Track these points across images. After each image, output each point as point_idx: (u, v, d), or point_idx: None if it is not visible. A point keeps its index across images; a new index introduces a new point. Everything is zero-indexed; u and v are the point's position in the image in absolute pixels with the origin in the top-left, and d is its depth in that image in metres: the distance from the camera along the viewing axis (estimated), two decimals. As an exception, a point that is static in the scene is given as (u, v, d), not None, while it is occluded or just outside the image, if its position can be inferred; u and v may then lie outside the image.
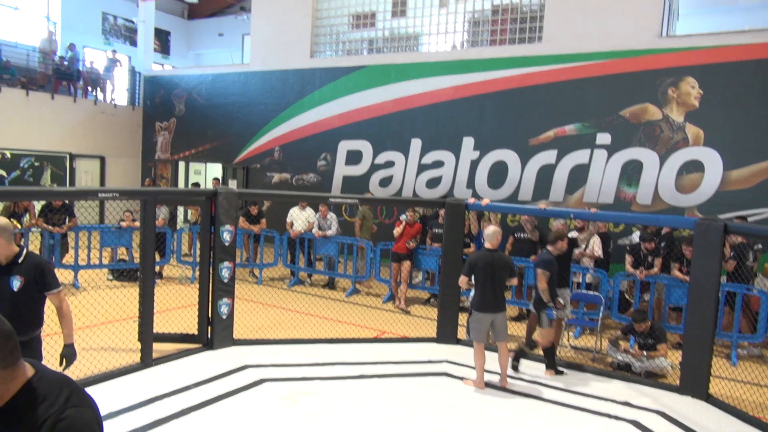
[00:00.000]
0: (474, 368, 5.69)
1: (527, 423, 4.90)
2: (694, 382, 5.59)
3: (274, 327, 7.25)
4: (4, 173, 13.57)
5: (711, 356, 5.57)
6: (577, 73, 10.23)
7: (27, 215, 8.83)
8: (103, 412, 4.45)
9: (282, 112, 13.48)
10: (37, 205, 8.92)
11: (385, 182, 12.15)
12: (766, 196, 8.81)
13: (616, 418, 5.06)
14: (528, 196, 10.62)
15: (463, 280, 5.75)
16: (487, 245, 5.68)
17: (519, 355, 6.19)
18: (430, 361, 6.28)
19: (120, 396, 4.87)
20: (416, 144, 11.81)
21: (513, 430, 4.75)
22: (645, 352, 6.20)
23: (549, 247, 6.06)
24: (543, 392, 5.57)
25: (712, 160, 9.24)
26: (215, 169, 15.46)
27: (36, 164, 14.17)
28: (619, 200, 9.90)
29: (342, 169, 12.72)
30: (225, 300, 6.26)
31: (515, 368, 6.06)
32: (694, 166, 9.38)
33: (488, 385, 5.62)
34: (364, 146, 12.41)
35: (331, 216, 9.79)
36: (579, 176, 10.23)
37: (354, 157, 12.55)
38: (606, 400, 5.45)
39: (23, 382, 1.52)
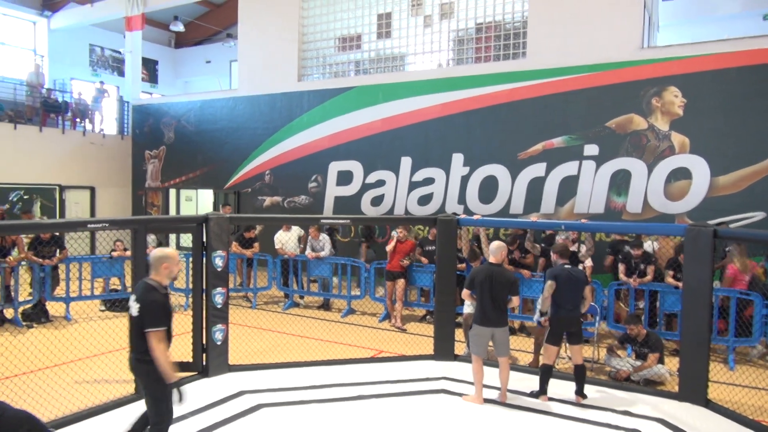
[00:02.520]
0: (473, 384, 5.66)
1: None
2: (693, 388, 5.58)
3: (270, 351, 7.18)
4: (-6, 207, 13.48)
5: (708, 361, 5.57)
6: (562, 86, 10.36)
7: (15, 250, 8.75)
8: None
9: (271, 135, 13.54)
10: (26, 239, 8.84)
11: (377, 201, 12.18)
12: (755, 199, 8.90)
13: (617, 428, 5.03)
14: (519, 209, 10.66)
15: (465, 293, 5.78)
16: (491, 260, 5.68)
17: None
18: (428, 379, 6.23)
19: (115, 428, 4.79)
20: (406, 162, 11.87)
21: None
22: (631, 367, 6.20)
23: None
24: (543, 406, 5.53)
25: (698, 167, 9.33)
26: (207, 195, 15.45)
27: (25, 197, 14.12)
28: (609, 210, 9.95)
29: (333, 190, 12.74)
30: (219, 326, 6.21)
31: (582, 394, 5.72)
32: (682, 174, 9.46)
33: (488, 401, 5.58)
34: (355, 166, 12.45)
35: (324, 237, 9.78)
36: (569, 188, 10.29)
37: (345, 178, 12.58)
38: (606, 410, 5.42)
39: None
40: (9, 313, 8.34)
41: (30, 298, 8.48)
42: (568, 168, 10.31)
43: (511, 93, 10.81)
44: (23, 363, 6.15)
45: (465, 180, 11.25)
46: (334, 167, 12.71)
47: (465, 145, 11.26)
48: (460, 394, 5.76)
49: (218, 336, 6.20)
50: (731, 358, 6.92)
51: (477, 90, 11.12)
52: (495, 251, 5.66)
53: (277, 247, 9.97)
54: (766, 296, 6.69)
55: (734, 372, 6.68)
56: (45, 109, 14.91)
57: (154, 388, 3.79)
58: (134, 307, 3.84)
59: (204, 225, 6.17)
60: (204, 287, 6.17)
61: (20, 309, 8.38)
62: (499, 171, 10.91)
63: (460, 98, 11.32)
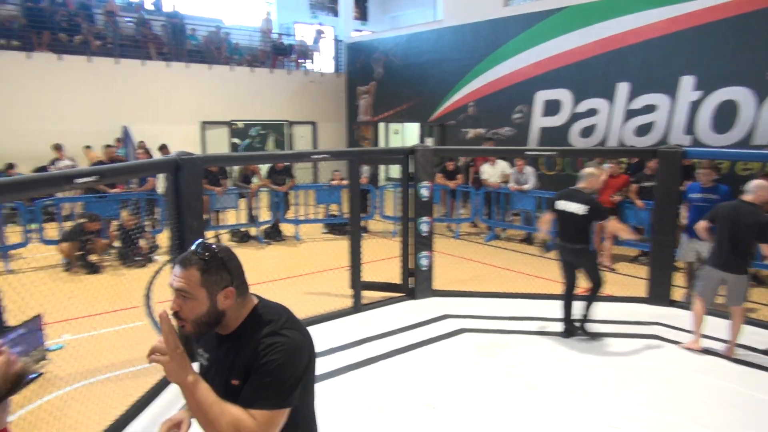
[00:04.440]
0: (689, 333, 5.18)
1: (746, 393, 4.32)
2: None
3: (471, 280, 7.38)
4: (238, 141, 15.77)
5: None
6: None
7: (255, 177, 10.19)
8: (322, 348, 5.05)
9: (475, 66, 13.32)
10: (263, 168, 10.22)
11: (587, 132, 11.36)
12: None
13: None
14: (766, 139, 9.05)
15: (700, 225, 5.25)
16: (745, 197, 4.93)
17: None
18: (639, 322, 5.85)
19: (336, 335, 5.45)
20: (623, 88, 10.76)
21: (732, 400, 4.23)
22: None
23: None
24: (780, 364, 4.83)
25: None
26: (413, 129, 16.00)
27: (262, 132, 16.18)
28: None
29: (539, 121, 12.20)
30: (424, 253, 6.55)
31: None
32: None
33: (709, 352, 5.06)
34: (563, 95, 11.70)
35: (528, 170, 9.52)
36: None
37: (552, 107, 11.93)
38: None
39: (251, 309, 1.78)
40: (253, 231, 9.86)
41: (269, 219, 9.89)
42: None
43: (764, -2, 8.95)
44: (265, 274, 7.28)
45: (695, 106, 9.84)
46: (541, 96, 12.10)
47: (697, 66, 9.76)
48: (674, 342, 5.31)
49: (424, 262, 6.56)
50: None
51: (717, -2, 9.44)
52: (753, 189, 4.92)
53: (482, 178, 10.00)
54: None
55: None
56: (274, 53, 16.65)
57: (595, 261, 5.34)
58: (579, 208, 5.08)
59: (410, 157, 6.44)
60: (411, 216, 6.52)
61: (261, 228, 9.83)
62: (740, 94, 9.30)
63: (692, 10, 9.74)
